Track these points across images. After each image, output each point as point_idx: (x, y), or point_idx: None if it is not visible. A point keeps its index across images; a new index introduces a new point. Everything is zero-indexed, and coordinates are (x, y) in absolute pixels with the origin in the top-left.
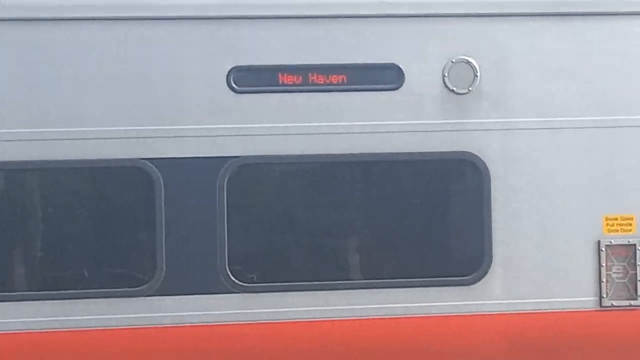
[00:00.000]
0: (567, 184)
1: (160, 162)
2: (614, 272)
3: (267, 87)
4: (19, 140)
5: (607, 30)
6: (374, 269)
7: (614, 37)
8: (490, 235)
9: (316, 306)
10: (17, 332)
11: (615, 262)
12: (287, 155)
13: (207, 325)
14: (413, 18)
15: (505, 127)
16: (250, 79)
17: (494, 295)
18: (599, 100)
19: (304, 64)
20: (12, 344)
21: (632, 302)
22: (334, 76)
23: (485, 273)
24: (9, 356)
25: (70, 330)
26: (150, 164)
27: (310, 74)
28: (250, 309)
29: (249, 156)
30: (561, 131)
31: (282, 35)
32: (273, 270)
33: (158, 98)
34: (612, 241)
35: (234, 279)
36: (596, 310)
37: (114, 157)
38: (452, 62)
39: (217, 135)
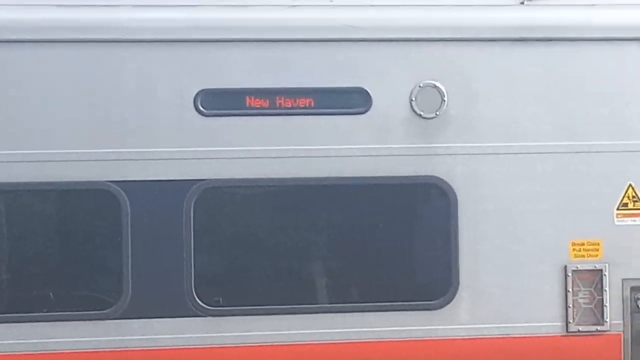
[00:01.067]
0: (534, 209)
1: (127, 185)
2: (580, 298)
3: (234, 111)
4: None
5: (572, 56)
6: (341, 293)
7: (579, 63)
8: (457, 260)
9: (282, 330)
10: None
11: (581, 287)
12: (254, 178)
13: (174, 349)
14: (380, 42)
15: (472, 152)
16: (218, 102)
17: (460, 320)
18: (565, 126)
19: (271, 88)
20: None
21: (599, 328)
22: (301, 99)
23: (452, 298)
24: None
25: (38, 353)
26: (116, 187)
27: (277, 98)
28: (217, 333)
29: (215, 179)
30: (528, 156)
31: (249, 59)
32: (239, 293)
33: (125, 120)
34: (578, 266)
35: (200, 302)
36: (562, 336)
37: (80, 179)
38: (419, 86)
39: (184, 159)
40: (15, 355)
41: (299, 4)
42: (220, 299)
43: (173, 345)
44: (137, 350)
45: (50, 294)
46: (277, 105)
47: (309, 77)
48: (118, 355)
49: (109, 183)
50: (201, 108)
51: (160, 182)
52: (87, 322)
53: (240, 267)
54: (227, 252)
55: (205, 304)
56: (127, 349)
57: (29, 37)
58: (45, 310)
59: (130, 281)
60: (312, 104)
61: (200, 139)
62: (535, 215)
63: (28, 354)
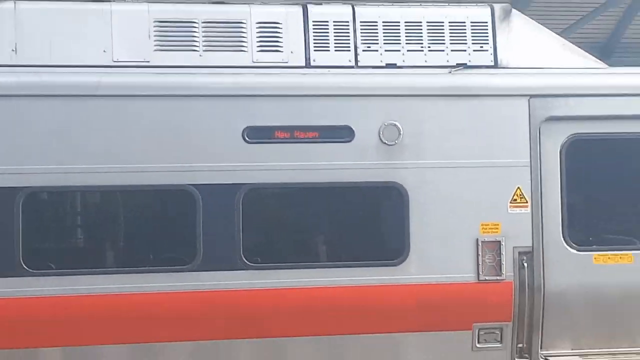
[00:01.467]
0: (459, 203)
1: (199, 187)
2: (487, 259)
3: (267, 140)
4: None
5: (477, 107)
6: (339, 255)
7: (480, 113)
8: (409, 235)
9: (301, 278)
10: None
11: (487, 252)
12: (279, 183)
13: (228, 291)
14: (362, 97)
15: (418, 167)
16: (257, 134)
17: (411, 272)
18: (476, 150)
19: (291, 125)
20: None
21: (498, 277)
22: (311, 133)
23: (406, 258)
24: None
25: (145, 293)
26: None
27: (295, 131)
28: (256, 280)
29: (255, 183)
30: (456, 169)
31: (278, 107)
32: (270, 255)
33: (198, 146)
34: (485, 239)
35: (246, 260)
36: (476, 282)
37: (172, 183)
38: (384, 124)
39: (235, 170)
40: (131, 294)
41: (313, 73)
42: (259, 259)
43: (228, 289)
44: (206, 291)
45: (151, 255)
46: (295, 136)
47: (316, 119)
48: (195, 295)
49: (189, 185)
50: (246, 138)
51: (220, 185)
52: (176, 273)
53: (272, 239)
54: (266, 229)
55: (249, 262)
56: (200, 290)
57: (139, 93)
58: (149, 265)
59: (202, 248)
60: (318, 136)
61: (244, 158)
62: (460, 207)
63: (139, 293)
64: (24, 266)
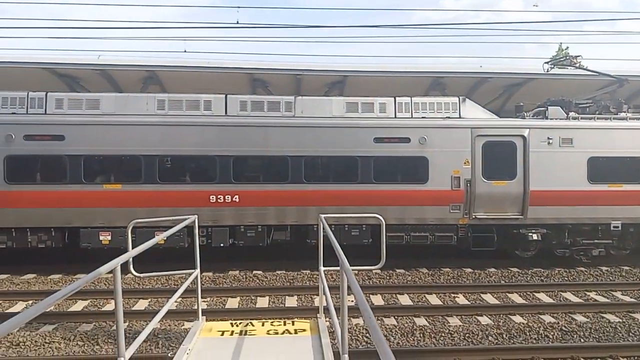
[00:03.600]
0: (446, 163)
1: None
2: (454, 182)
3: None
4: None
5: (453, 132)
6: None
7: (454, 134)
8: (428, 175)
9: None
10: None
11: (454, 179)
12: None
13: None
14: (415, 128)
15: (431, 151)
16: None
17: (430, 187)
18: (453, 144)
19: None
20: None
21: (459, 188)
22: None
23: (427, 182)
24: None
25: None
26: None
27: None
28: None
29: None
30: (447, 152)
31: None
32: None
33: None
34: (454, 175)
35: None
36: (450, 190)
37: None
38: (421, 137)
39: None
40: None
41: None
42: None
43: None
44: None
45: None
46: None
47: (401, 134)
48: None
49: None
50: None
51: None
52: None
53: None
54: None
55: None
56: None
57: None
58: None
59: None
60: (400, 140)
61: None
62: (447, 164)
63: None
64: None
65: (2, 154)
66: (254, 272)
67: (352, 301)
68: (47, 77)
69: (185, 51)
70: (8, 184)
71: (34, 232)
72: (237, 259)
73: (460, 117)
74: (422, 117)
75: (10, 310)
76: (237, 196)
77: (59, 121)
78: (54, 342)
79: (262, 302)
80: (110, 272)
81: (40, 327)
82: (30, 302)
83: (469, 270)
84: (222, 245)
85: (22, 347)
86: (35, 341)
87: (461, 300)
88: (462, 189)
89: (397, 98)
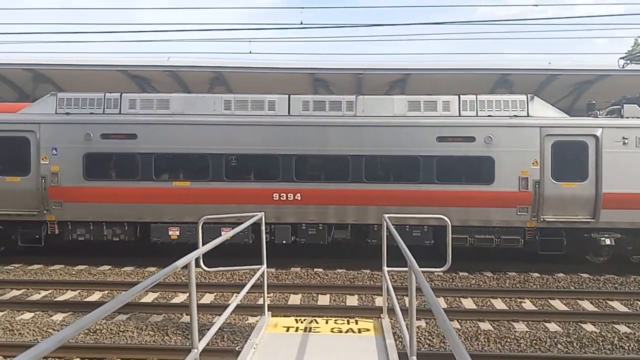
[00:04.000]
0: (514, 162)
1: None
2: (522, 183)
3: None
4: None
5: (521, 130)
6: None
7: (522, 132)
8: (494, 173)
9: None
10: None
11: (522, 181)
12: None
13: None
14: (480, 127)
15: (498, 151)
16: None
17: (497, 188)
18: (522, 142)
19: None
20: None
21: (527, 190)
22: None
23: (493, 181)
24: None
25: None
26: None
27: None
28: None
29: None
30: (514, 151)
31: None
32: None
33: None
34: (522, 176)
35: None
36: (518, 191)
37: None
38: (487, 136)
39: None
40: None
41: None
42: None
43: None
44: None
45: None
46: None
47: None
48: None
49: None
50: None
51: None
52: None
53: None
54: None
55: None
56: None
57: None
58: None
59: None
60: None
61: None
62: (514, 164)
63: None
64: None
65: (81, 151)
66: (315, 269)
67: (420, 303)
68: (121, 79)
69: (250, 52)
70: (87, 180)
71: (109, 226)
72: (298, 256)
73: (528, 116)
74: (488, 116)
75: (88, 299)
76: (299, 194)
77: (132, 120)
78: (127, 330)
79: (323, 299)
80: (185, 266)
81: (115, 316)
82: (105, 292)
83: (536, 274)
84: (284, 242)
85: (99, 334)
86: (111, 329)
87: (528, 305)
88: (530, 191)
89: (461, 96)
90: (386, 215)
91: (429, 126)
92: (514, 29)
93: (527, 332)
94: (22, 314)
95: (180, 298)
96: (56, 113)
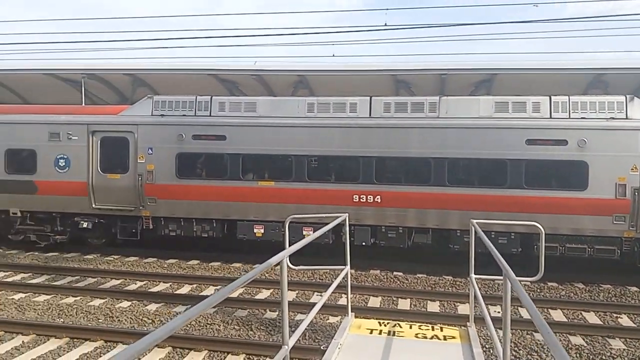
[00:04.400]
0: (610, 168)
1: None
2: (619, 190)
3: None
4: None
5: (617, 133)
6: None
7: (620, 134)
8: (587, 179)
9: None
10: None
11: (619, 187)
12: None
13: None
14: (573, 129)
15: (587, 155)
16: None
17: (590, 195)
18: (618, 146)
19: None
20: None
21: (625, 197)
22: (558, 141)
23: (587, 187)
24: None
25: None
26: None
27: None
28: None
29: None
30: (610, 156)
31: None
32: None
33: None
34: (619, 182)
35: None
36: (614, 199)
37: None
38: (580, 139)
39: None
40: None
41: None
42: None
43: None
44: None
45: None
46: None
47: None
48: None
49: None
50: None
51: None
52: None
53: None
54: None
55: None
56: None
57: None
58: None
59: None
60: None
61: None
62: (610, 170)
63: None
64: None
65: (174, 151)
66: (395, 273)
67: (498, 312)
68: (211, 82)
69: (333, 55)
70: (179, 179)
71: (199, 223)
72: (376, 258)
73: (627, 118)
74: (582, 118)
75: (178, 291)
76: (379, 196)
77: (221, 122)
78: (214, 324)
79: (403, 304)
80: (277, 264)
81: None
82: (194, 285)
83: (635, 289)
84: (363, 243)
85: (188, 326)
86: (199, 321)
87: (625, 321)
88: (629, 198)
89: (552, 97)
90: (474, 221)
91: (518, 128)
92: (607, 25)
93: (624, 349)
94: (120, 302)
95: (263, 294)
96: (152, 115)
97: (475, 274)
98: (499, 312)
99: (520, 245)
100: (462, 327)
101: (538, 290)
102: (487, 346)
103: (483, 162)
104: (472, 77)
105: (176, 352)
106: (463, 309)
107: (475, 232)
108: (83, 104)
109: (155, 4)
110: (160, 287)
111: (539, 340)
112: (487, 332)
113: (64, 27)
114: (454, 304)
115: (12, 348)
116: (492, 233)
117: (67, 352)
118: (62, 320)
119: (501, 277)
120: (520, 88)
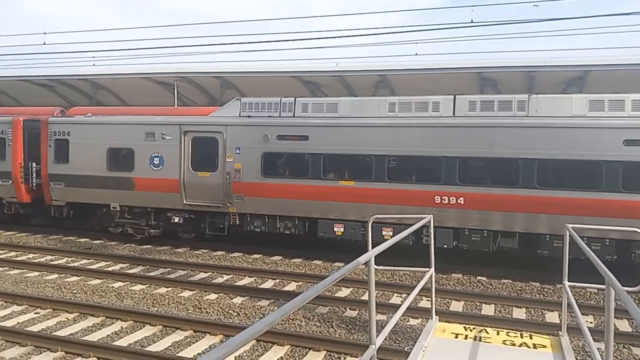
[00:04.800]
0: None
1: None
2: None
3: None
4: None
5: None
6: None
7: None
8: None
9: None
10: None
11: None
12: None
13: None
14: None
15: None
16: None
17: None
18: None
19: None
20: None
21: None
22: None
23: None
24: None
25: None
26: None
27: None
28: None
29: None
30: None
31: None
32: None
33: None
34: None
35: None
36: None
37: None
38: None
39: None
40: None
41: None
42: None
43: None
44: None
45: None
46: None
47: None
48: None
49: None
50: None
51: None
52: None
53: None
54: None
55: None
56: None
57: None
58: None
59: None
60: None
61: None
62: None
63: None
64: None
65: (260, 151)
66: (478, 277)
67: (591, 322)
68: (294, 84)
69: (416, 54)
70: (264, 177)
71: (282, 220)
72: (458, 261)
73: None
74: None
75: (262, 286)
76: (462, 198)
77: (304, 123)
78: (296, 319)
79: (487, 309)
80: (365, 263)
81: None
82: (277, 280)
83: None
84: (445, 246)
85: None
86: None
87: None
88: None
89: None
90: (570, 226)
91: (615, 128)
92: None
93: None
94: (208, 294)
95: (343, 292)
96: (239, 116)
97: (569, 281)
98: (590, 322)
99: (615, 252)
100: (553, 336)
101: (637, 301)
102: (578, 358)
103: (576, 163)
104: (563, 74)
105: (260, 345)
106: (550, 317)
107: (570, 237)
108: (175, 106)
109: (245, 9)
110: (245, 281)
111: (636, 355)
112: (578, 342)
113: (159, 33)
114: (542, 312)
115: (112, 333)
116: (585, 238)
117: (160, 339)
118: (155, 309)
119: (599, 286)
120: (617, 86)
